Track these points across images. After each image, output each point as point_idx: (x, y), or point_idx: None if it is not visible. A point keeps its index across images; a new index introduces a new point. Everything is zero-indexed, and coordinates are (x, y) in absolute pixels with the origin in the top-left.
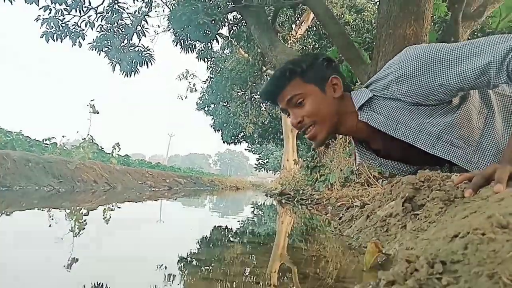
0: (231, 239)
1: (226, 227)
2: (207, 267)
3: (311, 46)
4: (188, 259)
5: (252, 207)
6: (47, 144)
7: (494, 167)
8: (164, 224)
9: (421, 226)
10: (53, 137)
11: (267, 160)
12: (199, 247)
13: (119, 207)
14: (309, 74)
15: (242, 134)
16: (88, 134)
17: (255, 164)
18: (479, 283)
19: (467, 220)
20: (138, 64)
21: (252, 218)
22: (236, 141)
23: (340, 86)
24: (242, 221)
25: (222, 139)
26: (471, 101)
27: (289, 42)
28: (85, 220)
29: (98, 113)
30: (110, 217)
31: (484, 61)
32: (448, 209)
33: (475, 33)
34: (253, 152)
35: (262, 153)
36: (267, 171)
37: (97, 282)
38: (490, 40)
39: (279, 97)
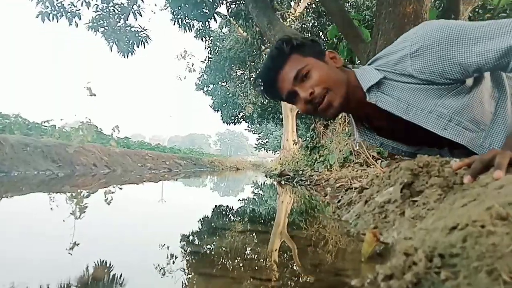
0: (223, 230)
1: (219, 215)
2: (205, 253)
3: (310, 24)
4: (187, 241)
5: (251, 188)
6: (46, 126)
7: (494, 152)
8: (163, 206)
9: (419, 213)
10: (51, 119)
11: (267, 140)
12: (196, 231)
13: (121, 188)
14: (305, 49)
15: (241, 114)
16: (86, 117)
17: (255, 144)
18: (478, 279)
19: (466, 209)
20: (135, 45)
21: (248, 203)
22: (235, 121)
23: (338, 58)
24: (237, 207)
25: (222, 119)
26: (484, 84)
27: (287, 20)
28: (86, 204)
29: (95, 95)
30: (112, 199)
31: (508, 42)
32: (447, 196)
33: (476, 10)
34: (253, 132)
35: (262, 133)
36: (267, 151)
37: (102, 261)
38: None
39: (280, 79)
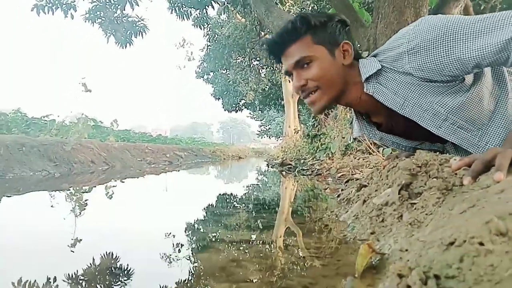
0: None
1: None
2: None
3: (310, 8)
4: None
5: (254, 175)
6: (45, 120)
7: (495, 151)
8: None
9: (417, 218)
10: (51, 114)
11: (269, 126)
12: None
13: (114, 186)
14: (321, 34)
15: (243, 101)
16: (82, 114)
17: (257, 130)
18: None
19: (464, 219)
20: (133, 35)
21: (251, 191)
22: (237, 109)
23: (350, 53)
24: (236, 201)
25: (223, 107)
26: (484, 81)
27: (286, 4)
28: (86, 201)
29: (90, 91)
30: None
31: (506, 36)
32: (446, 199)
33: None
34: (255, 118)
35: (264, 120)
36: (269, 137)
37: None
38: None
39: (285, 54)
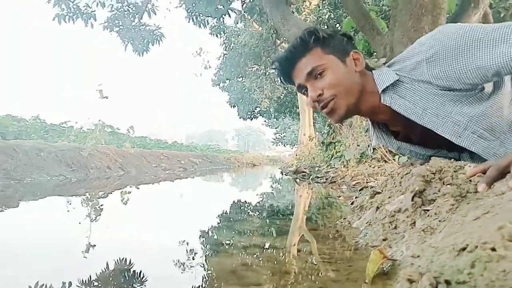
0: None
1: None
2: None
3: (326, 16)
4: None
5: (268, 183)
6: (64, 127)
7: (510, 158)
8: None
9: (430, 224)
10: (69, 121)
11: (284, 134)
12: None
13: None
14: (330, 44)
15: (258, 109)
16: (99, 120)
17: (272, 138)
18: None
19: (477, 224)
20: (150, 43)
21: (266, 198)
22: (252, 116)
23: (361, 61)
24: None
25: (238, 114)
26: (504, 90)
27: (303, 13)
28: (101, 206)
29: (106, 98)
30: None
31: None
32: (459, 206)
33: None
34: (270, 126)
35: (279, 128)
36: (284, 145)
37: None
38: None
39: (295, 69)
